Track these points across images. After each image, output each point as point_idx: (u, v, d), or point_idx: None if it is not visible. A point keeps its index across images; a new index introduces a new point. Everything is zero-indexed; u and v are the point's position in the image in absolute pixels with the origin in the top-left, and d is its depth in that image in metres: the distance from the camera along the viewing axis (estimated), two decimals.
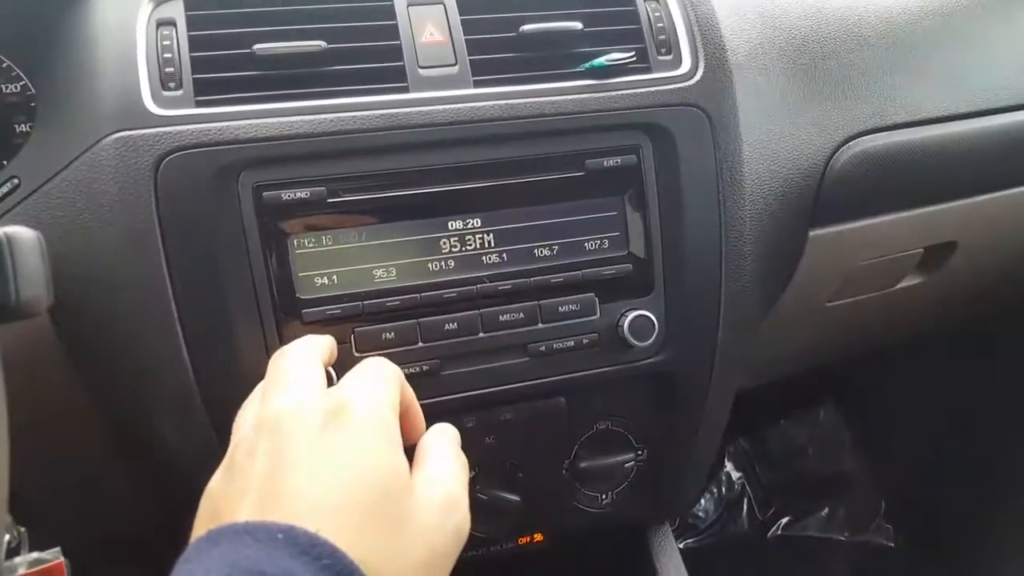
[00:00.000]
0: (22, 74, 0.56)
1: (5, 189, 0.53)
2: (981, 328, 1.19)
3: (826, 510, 1.44)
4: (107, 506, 0.66)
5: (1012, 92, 0.75)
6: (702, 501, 1.47)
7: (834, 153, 0.67)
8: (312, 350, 0.45)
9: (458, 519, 0.40)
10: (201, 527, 0.36)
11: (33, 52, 0.56)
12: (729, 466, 1.51)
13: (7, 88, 0.57)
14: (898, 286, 0.81)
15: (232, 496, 0.36)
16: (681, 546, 1.41)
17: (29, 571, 0.52)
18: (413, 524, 0.37)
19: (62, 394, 0.56)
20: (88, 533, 0.62)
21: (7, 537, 0.51)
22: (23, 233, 0.33)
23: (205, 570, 0.31)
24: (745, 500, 1.48)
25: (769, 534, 1.43)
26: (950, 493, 1.31)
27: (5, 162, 0.55)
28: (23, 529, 0.53)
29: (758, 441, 1.52)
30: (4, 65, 0.56)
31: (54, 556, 0.54)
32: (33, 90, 0.56)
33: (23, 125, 0.56)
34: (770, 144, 0.64)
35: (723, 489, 1.49)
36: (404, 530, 0.37)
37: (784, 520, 1.44)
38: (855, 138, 0.68)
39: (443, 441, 0.44)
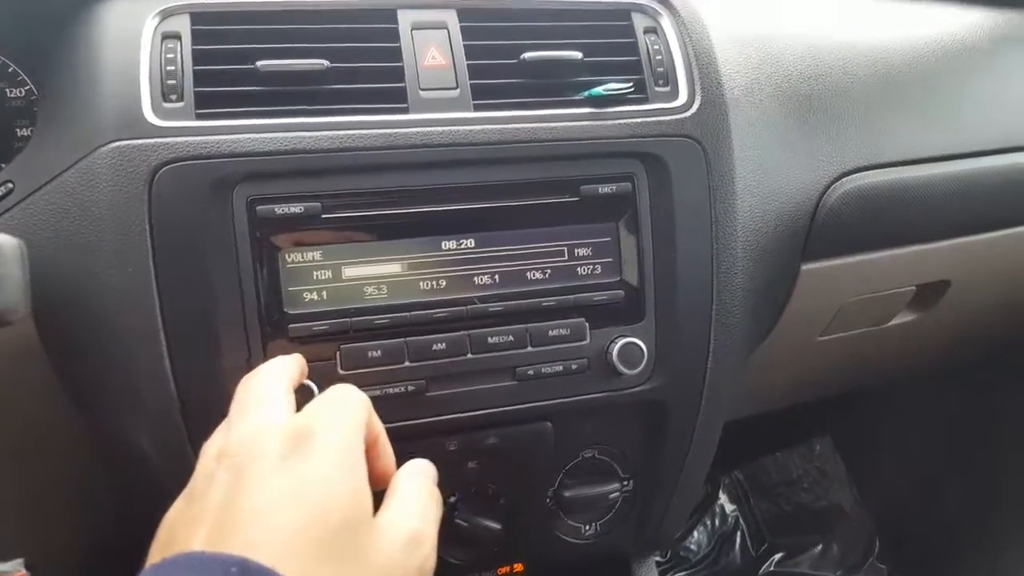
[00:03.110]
0: (27, 79, 0.57)
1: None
2: (977, 366, 1.18)
3: (819, 546, 1.42)
4: (87, 517, 0.65)
5: (1005, 133, 0.76)
6: (695, 534, 1.45)
7: (827, 189, 0.68)
8: (279, 373, 0.44)
9: (422, 556, 0.39)
10: (156, 554, 0.36)
11: (39, 58, 0.57)
12: (723, 498, 1.49)
13: (11, 92, 0.58)
14: (891, 323, 0.81)
15: (188, 523, 0.36)
16: None
17: None
18: (374, 557, 0.36)
19: (43, 403, 0.56)
20: (68, 542, 0.61)
21: None
22: (4, 241, 0.33)
23: None
24: (739, 534, 1.46)
25: (761, 570, 1.41)
26: (946, 532, 1.29)
27: (3, 165, 0.55)
28: None
29: (754, 473, 1.51)
30: (10, 69, 0.57)
31: (15, 568, 0.53)
32: (36, 95, 0.57)
33: (24, 129, 0.56)
34: (763, 178, 0.65)
35: (716, 522, 1.47)
36: (363, 563, 0.36)
37: (777, 556, 1.42)
38: (848, 175, 0.69)
39: (417, 479, 0.43)
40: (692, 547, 1.43)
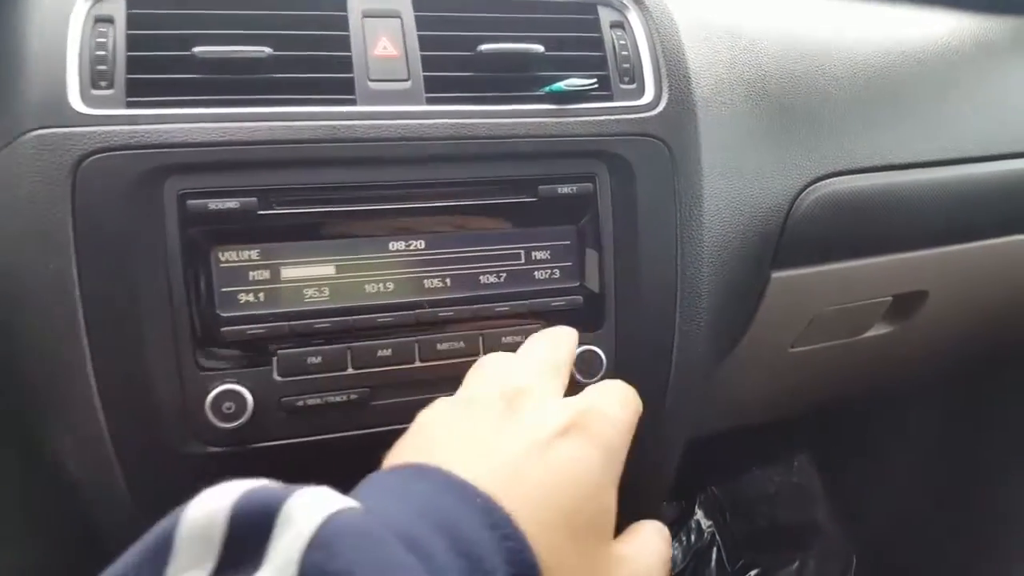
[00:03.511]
0: None
1: None
2: (958, 380, 1.16)
3: (796, 563, 1.40)
4: (40, 542, 0.62)
5: (983, 142, 0.74)
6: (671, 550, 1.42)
7: (799, 194, 0.65)
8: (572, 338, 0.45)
9: None
10: (418, 443, 0.36)
11: None
12: (700, 514, 1.46)
13: None
14: (867, 334, 0.79)
15: (456, 444, 0.35)
16: None
17: None
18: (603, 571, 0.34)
19: None
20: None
21: None
22: None
23: (401, 494, 0.30)
24: (715, 549, 1.43)
25: None
26: (924, 550, 1.27)
27: None
28: None
29: (730, 489, 1.48)
30: None
31: None
32: None
33: None
34: (732, 181, 0.62)
35: (692, 537, 1.45)
36: (594, 569, 0.34)
37: (753, 573, 1.39)
38: (821, 180, 0.66)
39: (661, 533, 0.40)
40: None
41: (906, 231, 0.72)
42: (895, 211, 0.70)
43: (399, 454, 0.37)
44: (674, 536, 1.43)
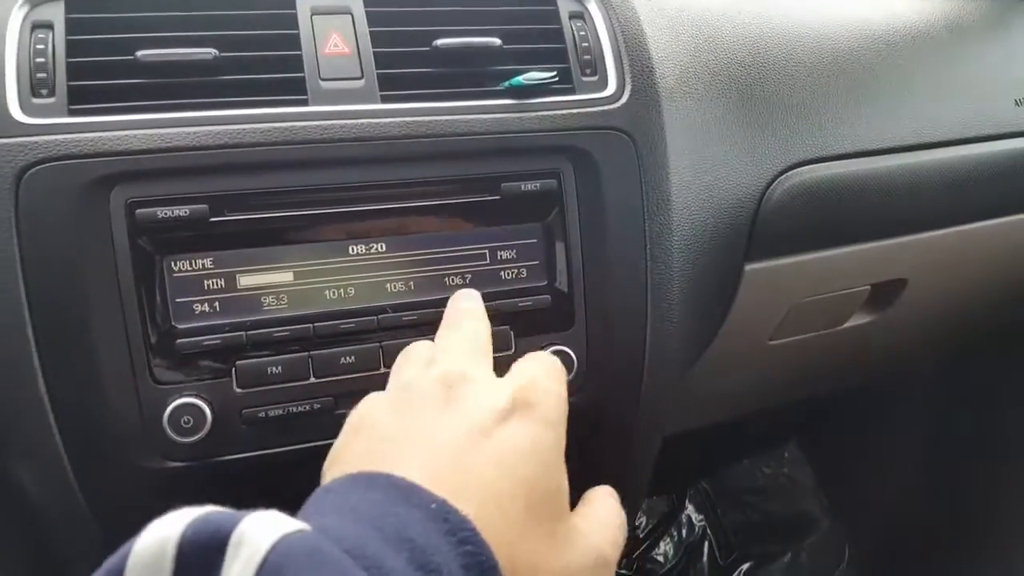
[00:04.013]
0: None
1: None
2: (943, 367, 1.16)
3: (789, 555, 1.39)
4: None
5: (958, 125, 0.72)
6: (661, 545, 1.41)
7: (770, 184, 0.64)
8: (484, 325, 0.43)
9: None
10: (359, 446, 0.35)
11: None
12: (690, 508, 1.46)
13: None
14: (846, 324, 0.78)
15: (401, 441, 0.34)
16: None
17: None
18: (564, 553, 0.34)
19: None
20: None
21: None
22: None
23: (352, 507, 0.29)
24: (707, 543, 1.43)
25: None
26: (917, 540, 1.27)
27: None
28: None
29: (720, 482, 1.47)
30: None
31: None
32: None
33: None
34: (701, 172, 0.61)
35: (684, 532, 1.44)
36: (556, 552, 0.33)
37: (746, 566, 1.39)
38: (793, 168, 0.65)
39: (613, 500, 0.40)
40: (659, 558, 1.39)
41: (882, 218, 0.71)
42: (869, 198, 0.69)
43: (343, 459, 0.36)
44: (665, 531, 1.42)
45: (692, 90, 0.62)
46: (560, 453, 0.36)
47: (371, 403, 0.39)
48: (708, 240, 0.61)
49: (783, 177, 0.64)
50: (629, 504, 0.66)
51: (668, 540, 1.42)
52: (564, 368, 0.41)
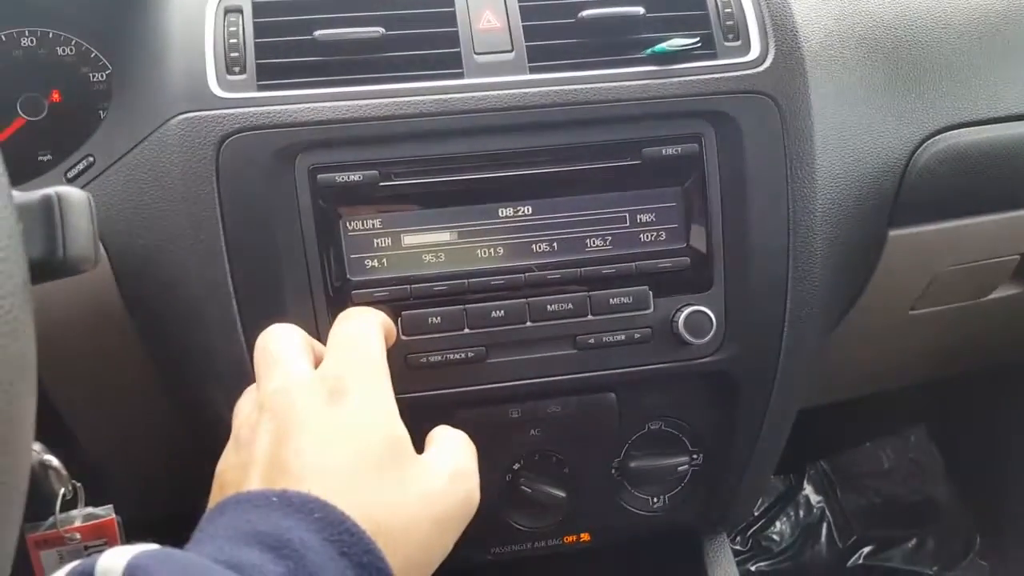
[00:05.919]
0: (107, 62, 0.60)
1: (81, 166, 0.56)
2: None
3: (913, 541, 1.34)
4: (161, 474, 0.68)
5: None
6: (778, 524, 1.40)
7: (917, 148, 0.62)
8: (294, 332, 0.45)
9: (468, 488, 0.40)
10: (212, 501, 0.39)
11: (114, 41, 0.59)
12: (808, 489, 1.43)
13: (94, 76, 0.60)
14: (991, 296, 0.75)
15: (239, 469, 0.38)
16: (753, 568, 1.35)
17: (83, 524, 0.55)
18: (418, 485, 0.38)
19: (125, 357, 0.58)
20: (140, 499, 0.65)
21: (63, 490, 0.53)
22: (72, 193, 0.34)
23: (211, 536, 0.33)
24: (824, 525, 1.40)
25: (850, 563, 1.34)
26: None
27: (86, 140, 0.58)
28: (79, 484, 0.55)
29: (841, 464, 1.43)
30: (92, 55, 0.60)
31: (107, 512, 0.56)
32: (113, 75, 0.59)
33: (104, 111, 0.59)
34: (846, 136, 0.60)
35: (801, 513, 1.41)
36: (409, 490, 0.38)
37: (866, 549, 1.35)
38: (941, 132, 0.63)
39: (454, 431, 0.45)
40: (775, 537, 1.38)
41: None
42: (1020, 164, 0.66)
43: (208, 508, 0.38)
44: (782, 511, 1.40)
45: (837, 53, 0.61)
46: (384, 400, 0.40)
47: (243, 408, 0.44)
48: (852, 205, 0.60)
49: (930, 141, 0.63)
50: (760, 478, 0.67)
51: (785, 520, 1.40)
52: (365, 315, 0.45)
